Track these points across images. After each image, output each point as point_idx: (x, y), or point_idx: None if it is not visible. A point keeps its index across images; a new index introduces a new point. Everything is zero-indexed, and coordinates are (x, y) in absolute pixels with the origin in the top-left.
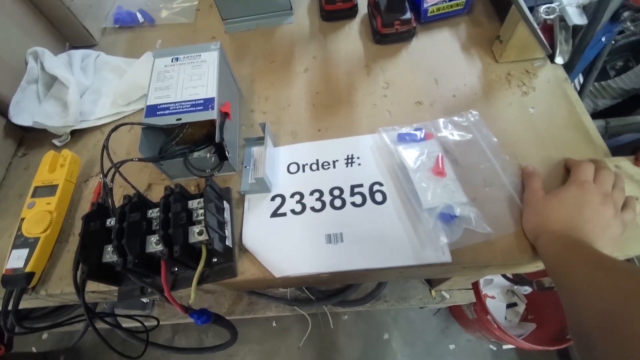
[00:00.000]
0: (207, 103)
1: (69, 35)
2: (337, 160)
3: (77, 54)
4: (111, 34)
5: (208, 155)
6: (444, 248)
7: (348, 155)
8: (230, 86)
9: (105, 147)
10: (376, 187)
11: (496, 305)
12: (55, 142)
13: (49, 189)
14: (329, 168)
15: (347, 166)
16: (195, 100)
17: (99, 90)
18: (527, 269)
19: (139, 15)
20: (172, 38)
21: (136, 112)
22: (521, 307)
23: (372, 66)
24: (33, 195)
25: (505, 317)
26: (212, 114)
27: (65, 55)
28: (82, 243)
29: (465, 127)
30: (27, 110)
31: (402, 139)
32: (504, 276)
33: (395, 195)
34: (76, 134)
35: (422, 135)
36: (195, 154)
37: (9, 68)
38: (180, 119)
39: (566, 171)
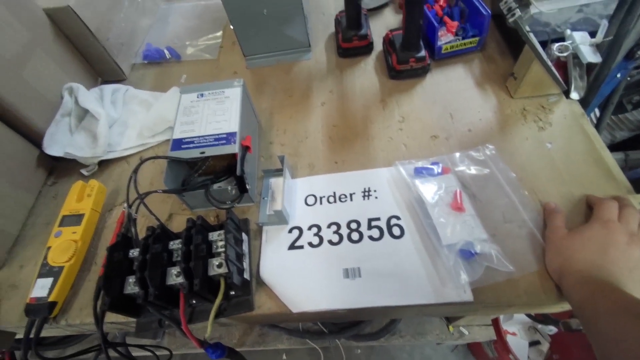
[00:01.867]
0: (229, 137)
1: (102, 71)
2: (354, 193)
3: (108, 88)
4: (140, 69)
5: (229, 188)
6: (465, 286)
7: (365, 188)
8: (250, 119)
9: (132, 179)
10: (394, 221)
11: (518, 343)
12: (83, 171)
13: (76, 218)
14: (346, 201)
15: (364, 199)
16: (218, 135)
17: (126, 122)
18: (552, 310)
19: (166, 52)
20: (196, 73)
21: (160, 144)
22: (545, 346)
23: (388, 100)
24: (60, 224)
25: (528, 357)
26: (234, 148)
27: (97, 89)
28: (105, 274)
29: (482, 162)
30: (59, 142)
31: (419, 172)
32: (528, 314)
33: (413, 229)
34: (103, 164)
35: (439, 170)
36: (216, 186)
37: (46, 102)
38: (204, 152)
39: (588, 208)
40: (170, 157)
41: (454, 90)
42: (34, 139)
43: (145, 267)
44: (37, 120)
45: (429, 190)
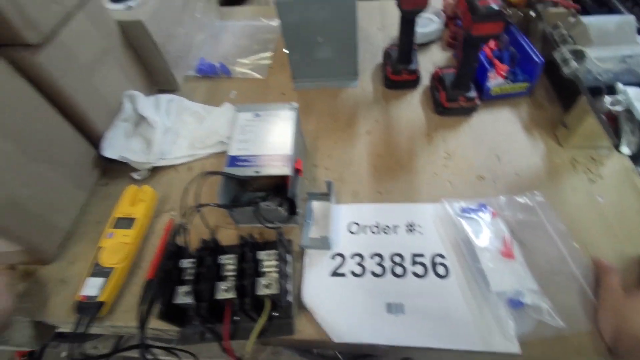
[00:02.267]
0: (283, 159)
1: (158, 80)
2: (398, 226)
3: (164, 98)
4: (192, 81)
5: (281, 209)
6: (513, 337)
7: (409, 222)
8: (299, 141)
9: (188, 189)
10: (438, 259)
11: None
12: (134, 175)
13: (128, 222)
14: (389, 233)
15: (408, 233)
16: (272, 155)
17: (178, 132)
18: None
19: (218, 68)
20: (245, 90)
21: (209, 156)
22: None
23: (433, 135)
24: (113, 226)
25: None
26: (287, 170)
27: (153, 98)
28: (160, 282)
29: (530, 209)
30: (115, 145)
31: (466, 213)
32: None
33: (458, 270)
34: (153, 170)
35: (488, 213)
36: (265, 204)
37: (108, 107)
38: (258, 172)
39: None
40: (227, 173)
41: (502, 132)
42: (94, 140)
43: (200, 279)
44: (99, 123)
45: (477, 232)
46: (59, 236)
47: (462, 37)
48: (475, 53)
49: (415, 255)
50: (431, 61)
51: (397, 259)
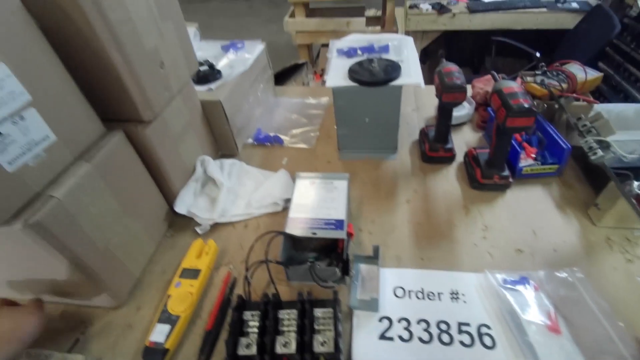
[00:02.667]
0: (337, 223)
1: (222, 146)
2: (442, 293)
3: (227, 162)
4: (249, 148)
5: (336, 270)
6: None
7: (453, 290)
8: (348, 206)
9: (253, 247)
10: (484, 330)
11: None
12: (198, 229)
13: (193, 273)
14: (434, 299)
15: (452, 301)
16: (327, 220)
17: (237, 192)
18: None
19: (272, 137)
20: (295, 158)
21: (262, 215)
22: None
23: (470, 207)
24: (180, 276)
25: None
26: (342, 234)
27: (218, 161)
28: (229, 334)
29: (571, 285)
30: (185, 202)
31: (510, 285)
32: None
33: (505, 342)
34: (213, 225)
35: (530, 286)
36: (319, 264)
37: (185, 169)
38: (315, 234)
39: None
40: (288, 233)
41: (536, 209)
42: (168, 196)
43: (265, 332)
44: (176, 183)
45: (521, 305)
46: (131, 283)
47: (495, 126)
48: (507, 140)
49: (461, 324)
50: (464, 140)
51: (444, 327)
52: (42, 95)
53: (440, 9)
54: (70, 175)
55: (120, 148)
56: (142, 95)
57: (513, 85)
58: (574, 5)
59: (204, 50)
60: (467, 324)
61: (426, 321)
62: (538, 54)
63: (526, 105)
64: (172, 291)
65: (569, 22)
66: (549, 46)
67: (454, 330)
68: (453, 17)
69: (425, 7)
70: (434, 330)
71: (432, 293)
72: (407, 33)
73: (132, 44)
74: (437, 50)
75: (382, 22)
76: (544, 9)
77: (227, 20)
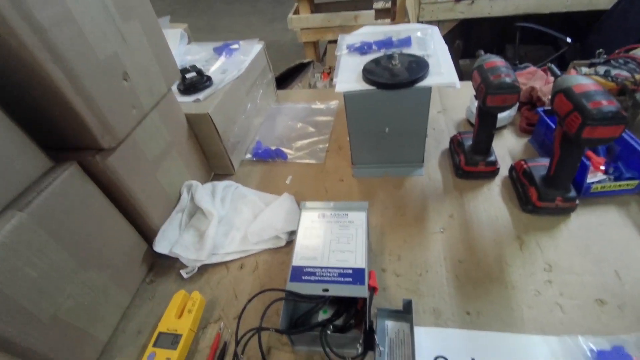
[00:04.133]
0: (356, 275)
1: (215, 166)
2: None
3: (220, 185)
4: (247, 165)
5: (357, 344)
6: None
7: None
8: (368, 242)
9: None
10: None
11: None
12: (183, 273)
13: (172, 339)
14: None
15: None
16: (343, 269)
17: (231, 222)
18: None
19: (274, 152)
20: (301, 175)
21: (261, 252)
22: None
23: (525, 239)
24: (155, 343)
25: None
26: (363, 291)
27: (210, 185)
28: None
29: None
30: (167, 239)
31: (603, 359)
32: None
33: None
34: (202, 267)
35: None
36: (332, 331)
37: (167, 199)
38: (327, 290)
39: None
40: (290, 292)
41: (613, 240)
42: (146, 233)
43: None
44: (155, 217)
45: None
46: (95, 351)
47: (559, 135)
48: (579, 155)
49: None
50: (505, 147)
51: None
52: None
53: None
54: None
55: (73, 184)
56: (98, 117)
57: (587, 82)
58: None
59: (194, 54)
60: None
61: None
62: (569, 40)
63: (613, 109)
64: None
65: (604, 1)
66: (579, 32)
67: None
68: (472, 3)
69: None
70: None
71: None
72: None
73: (77, 53)
74: (453, 41)
75: (392, 14)
76: None
77: (232, 20)
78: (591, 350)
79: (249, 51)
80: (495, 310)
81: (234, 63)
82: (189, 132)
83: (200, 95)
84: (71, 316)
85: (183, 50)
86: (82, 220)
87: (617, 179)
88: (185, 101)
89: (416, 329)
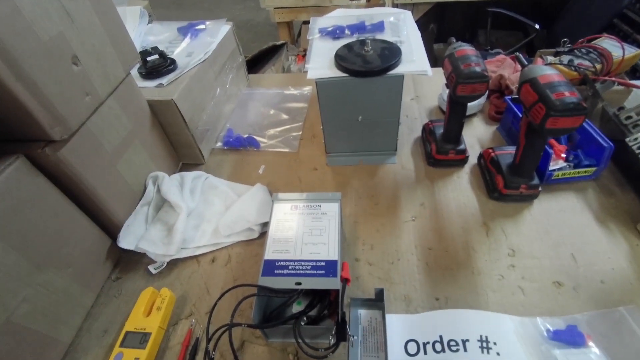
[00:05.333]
0: (329, 267)
1: (183, 155)
2: (467, 341)
3: (189, 176)
4: (218, 154)
5: (330, 335)
6: None
7: (482, 337)
8: (340, 237)
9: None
10: None
11: None
12: (151, 268)
13: (140, 338)
14: (458, 350)
15: (482, 352)
16: (316, 262)
17: (202, 214)
18: None
19: (246, 140)
20: (274, 164)
21: (234, 244)
22: None
23: (491, 225)
24: (122, 343)
25: None
26: (336, 283)
27: (177, 176)
28: None
29: (632, 333)
30: (133, 234)
31: (559, 338)
32: None
33: None
34: (171, 262)
35: (581, 339)
36: (309, 324)
37: (131, 192)
38: (300, 284)
39: None
40: (261, 287)
41: (571, 225)
42: (110, 229)
43: None
44: (118, 211)
45: None
46: (58, 354)
47: (525, 126)
48: (542, 144)
49: None
50: (475, 135)
51: None
52: None
53: None
54: None
55: (19, 179)
56: (45, 106)
57: (551, 73)
58: None
59: (156, 34)
60: None
61: None
62: (537, 26)
63: (574, 100)
64: None
65: None
66: (547, 18)
67: None
68: None
69: None
70: None
71: (455, 342)
72: (395, 7)
73: (14, 33)
74: (427, 25)
75: None
76: None
77: None
78: (547, 330)
79: (217, 32)
80: (463, 295)
81: (200, 45)
82: (152, 120)
83: (164, 80)
84: (28, 320)
85: (144, 30)
86: (33, 218)
87: (576, 166)
88: (147, 86)
89: (388, 317)
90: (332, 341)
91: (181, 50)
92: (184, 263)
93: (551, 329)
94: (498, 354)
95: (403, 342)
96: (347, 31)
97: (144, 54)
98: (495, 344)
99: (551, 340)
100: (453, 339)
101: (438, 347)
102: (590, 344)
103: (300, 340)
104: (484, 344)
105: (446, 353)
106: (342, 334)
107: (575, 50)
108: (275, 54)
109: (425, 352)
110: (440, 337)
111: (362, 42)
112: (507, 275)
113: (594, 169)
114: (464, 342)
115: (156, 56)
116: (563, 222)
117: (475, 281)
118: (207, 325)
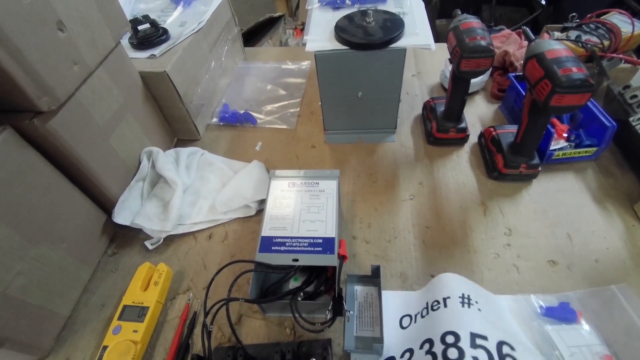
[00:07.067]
0: (326, 244)
1: (178, 130)
2: (448, 298)
3: (184, 151)
4: (214, 130)
5: (326, 310)
6: None
7: (464, 295)
8: (339, 214)
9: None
10: (506, 350)
11: None
12: (147, 244)
13: (138, 311)
14: (438, 308)
15: (463, 306)
16: (313, 239)
17: (198, 191)
18: None
19: (242, 116)
20: (272, 141)
21: (231, 221)
22: None
23: (489, 204)
24: (120, 317)
25: None
26: (333, 259)
27: (172, 152)
28: None
29: (622, 311)
30: (128, 209)
31: (551, 314)
32: None
33: None
34: (168, 238)
35: (572, 315)
36: (303, 298)
37: (124, 167)
38: (297, 260)
39: None
40: (259, 263)
41: (568, 205)
42: (105, 204)
43: None
44: (113, 187)
45: (567, 343)
46: (56, 326)
47: (528, 103)
48: (545, 122)
49: (475, 335)
50: (476, 114)
51: (450, 339)
52: None
53: None
54: None
55: (8, 151)
56: (30, 74)
57: (559, 48)
58: None
59: (147, 1)
60: (484, 337)
61: (430, 340)
62: (544, 2)
63: (582, 76)
64: (108, 340)
65: None
66: None
67: (464, 343)
68: None
69: None
70: (438, 348)
71: (437, 302)
72: None
73: None
74: None
75: None
76: None
77: None
78: (541, 307)
79: (210, 1)
80: (458, 272)
81: (193, 14)
82: (145, 93)
83: (156, 51)
84: (24, 293)
85: None
86: (24, 191)
87: (577, 146)
88: (139, 57)
89: (384, 293)
90: (329, 316)
91: (174, 20)
92: (181, 239)
93: (544, 305)
94: (479, 309)
95: (398, 317)
96: (347, 1)
97: (135, 22)
98: (477, 302)
99: (544, 316)
100: (435, 299)
101: (424, 313)
102: (582, 320)
103: (297, 315)
104: (465, 300)
105: (429, 314)
106: (338, 309)
107: (584, 26)
108: (273, 26)
109: (415, 322)
110: (427, 303)
111: (364, 13)
112: (502, 254)
113: (594, 149)
114: (444, 299)
115: (147, 25)
116: (561, 202)
117: (470, 259)
118: (205, 300)
